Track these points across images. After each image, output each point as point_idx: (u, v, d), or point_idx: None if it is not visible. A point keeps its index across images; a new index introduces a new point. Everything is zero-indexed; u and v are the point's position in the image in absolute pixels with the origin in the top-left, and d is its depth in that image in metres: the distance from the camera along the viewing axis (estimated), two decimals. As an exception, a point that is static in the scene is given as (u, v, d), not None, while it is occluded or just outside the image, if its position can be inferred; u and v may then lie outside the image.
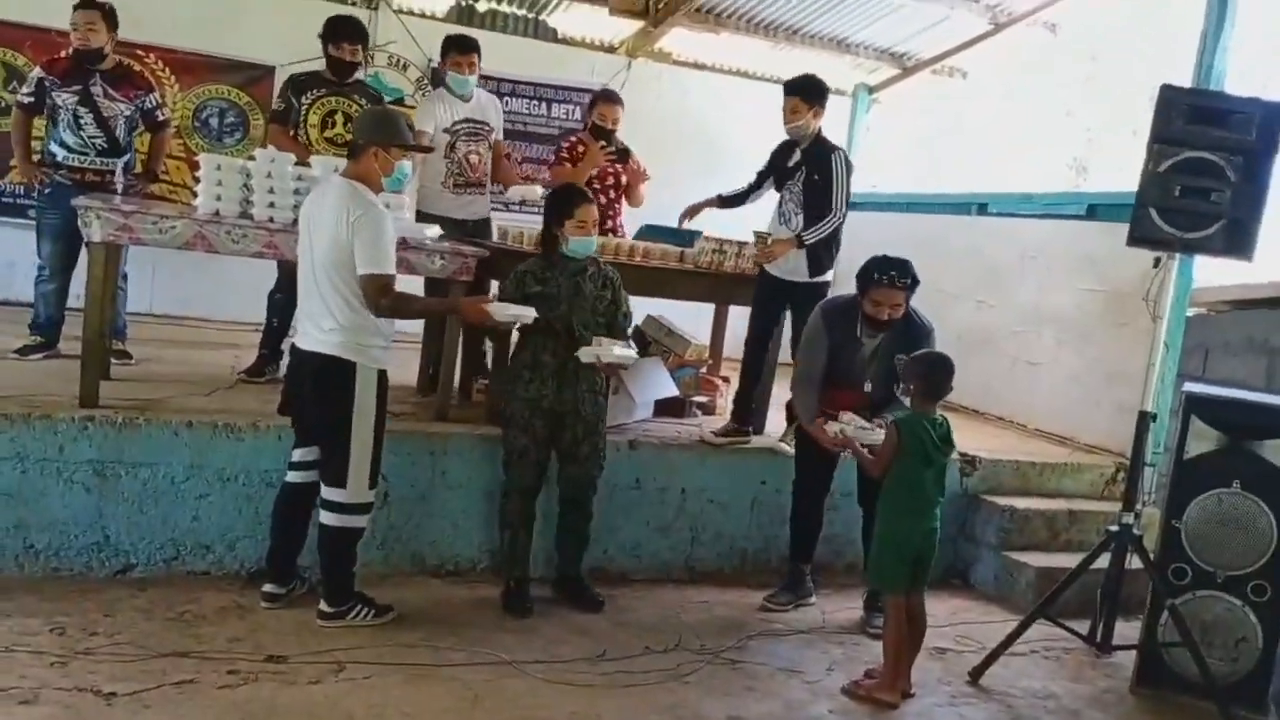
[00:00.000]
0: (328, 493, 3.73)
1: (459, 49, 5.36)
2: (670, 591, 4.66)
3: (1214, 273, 6.19)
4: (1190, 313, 5.80)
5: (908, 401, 3.81)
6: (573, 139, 5.65)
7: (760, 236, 4.99)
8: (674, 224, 5.39)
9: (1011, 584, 4.93)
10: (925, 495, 3.74)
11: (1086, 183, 15.16)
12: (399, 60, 7.48)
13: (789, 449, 4.89)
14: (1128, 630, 4.29)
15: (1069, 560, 4.41)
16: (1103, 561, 4.17)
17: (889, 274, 4.11)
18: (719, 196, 5.25)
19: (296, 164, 4.42)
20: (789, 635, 4.29)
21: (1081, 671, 4.23)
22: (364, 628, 3.79)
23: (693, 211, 5.26)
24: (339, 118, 5.20)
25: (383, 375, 3.76)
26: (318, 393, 3.70)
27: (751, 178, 5.23)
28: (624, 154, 5.58)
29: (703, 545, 4.92)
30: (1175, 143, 4.03)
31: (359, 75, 5.45)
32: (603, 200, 5.39)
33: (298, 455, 3.86)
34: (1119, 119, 15.60)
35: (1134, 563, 4.15)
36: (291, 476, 3.86)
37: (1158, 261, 4.39)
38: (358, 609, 3.81)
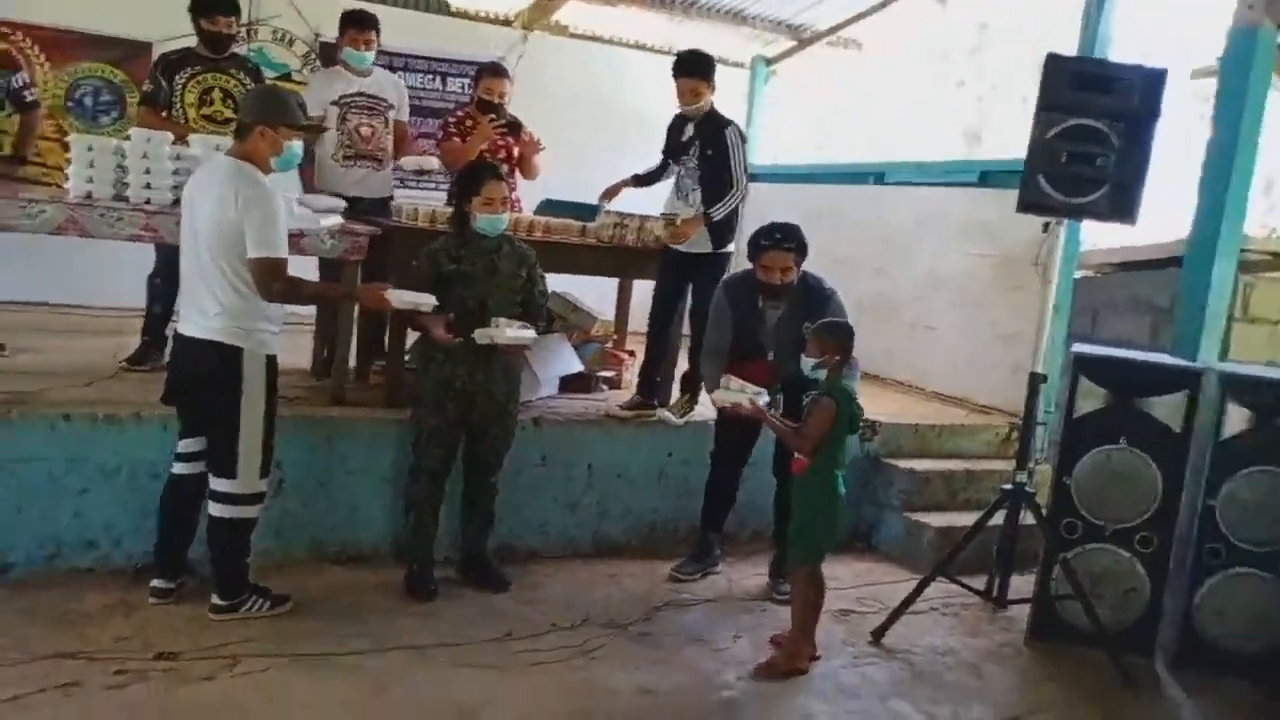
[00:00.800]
0: (216, 483, 3.60)
1: (357, 25, 5.23)
2: (578, 567, 4.64)
3: (1100, 235, 6.40)
4: (1078, 275, 5.97)
5: (808, 367, 3.75)
6: (460, 113, 5.52)
7: (668, 218, 4.95)
8: (582, 200, 5.32)
9: (914, 544, 5.03)
10: (844, 464, 3.79)
11: (979, 150, 15.56)
12: (284, 35, 7.23)
13: (675, 419, 4.92)
14: (1023, 585, 4.41)
15: (968, 519, 4.52)
16: (999, 519, 4.28)
17: (774, 237, 4.20)
18: (634, 176, 5.22)
19: (175, 143, 4.24)
20: (696, 605, 4.31)
21: (979, 626, 4.35)
22: (259, 619, 3.68)
23: (611, 193, 5.20)
24: (217, 94, 5.00)
25: (272, 360, 3.63)
26: (204, 380, 3.56)
27: (658, 154, 5.21)
28: (514, 127, 5.48)
29: (610, 520, 4.91)
30: (1061, 110, 4.11)
31: (236, 49, 5.25)
32: None
33: (184, 446, 3.71)
34: (1008, 87, 16.03)
35: (1028, 519, 4.27)
36: (178, 468, 3.72)
37: (1047, 226, 4.49)
38: (252, 600, 3.70)
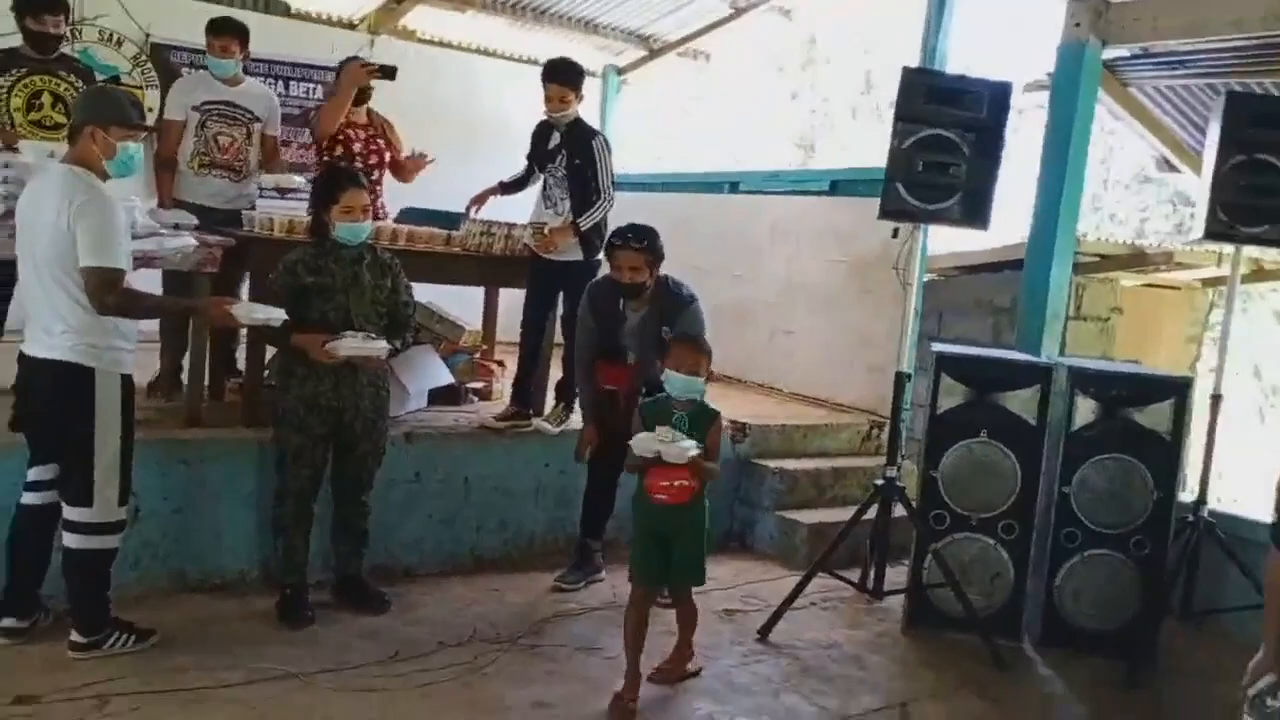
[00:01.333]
0: (71, 513, 3.35)
1: (212, 31, 5.01)
2: (459, 584, 4.52)
3: (940, 241, 6.73)
4: (926, 278, 6.27)
5: (679, 385, 3.49)
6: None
7: (536, 227, 4.90)
8: (440, 209, 5.21)
9: (788, 542, 5.15)
10: None
11: (813, 160, 16.21)
12: (112, 35, 6.79)
13: (551, 429, 4.91)
14: (895, 576, 4.59)
15: (837, 514, 4.68)
16: (871, 513, 4.43)
17: (625, 236, 4.24)
18: (500, 184, 5.16)
19: (3, 150, 3.92)
20: (583, 614, 4.28)
21: (858, 618, 4.49)
22: (124, 655, 3.43)
23: (479, 200, 5.12)
24: (46, 98, 4.71)
25: (127, 380, 3.41)
26: (53, 404, 3.31)
27: (510, 161, 5.16)
28: (387, 125, 5.34)
29: (489, 533, 4.81)
30: (917, 120, 4.32)
31: (64, 50, 4.91)
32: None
33: (34, 474, 3.44)
34: (838, 101, 16.77)
35: (898, 512, 4.44)
36: (28, 498, 3.44)
37: (896, 232, 4.71)
38: (115, 636, 3.45)
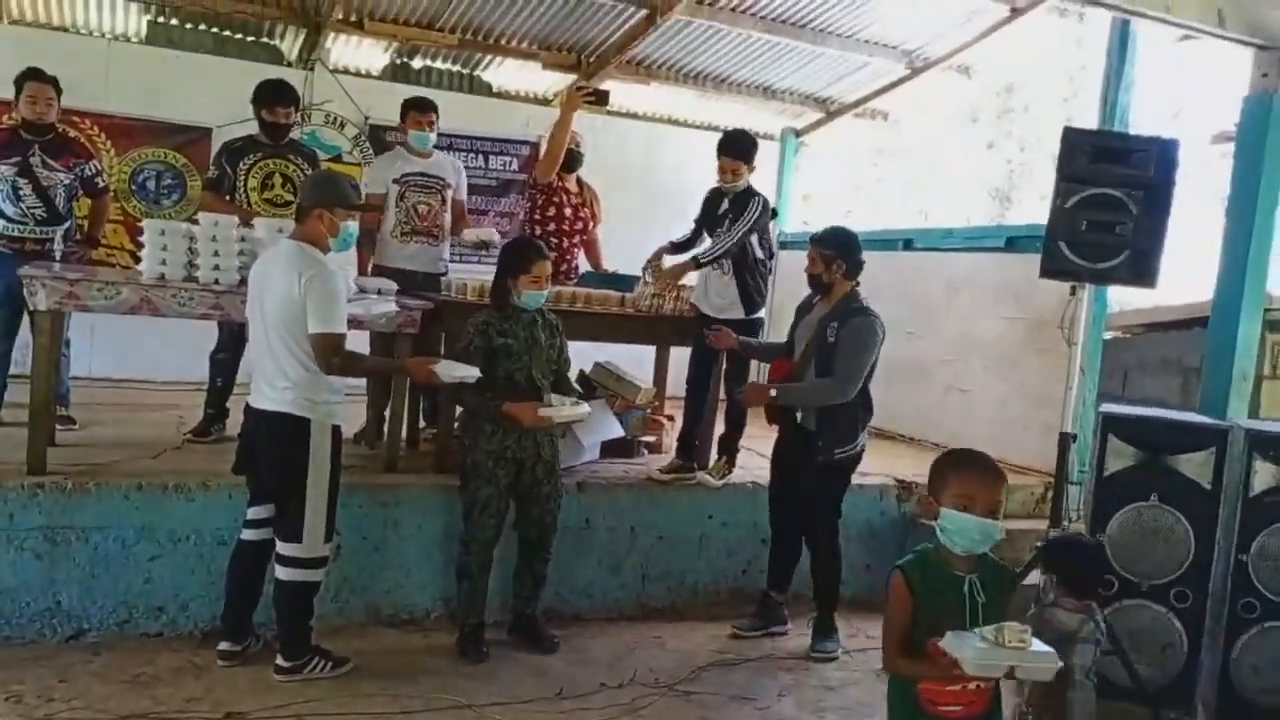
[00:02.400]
0: (284, 548, 3.77)
1: (418, 108, 5.55)
2: (623, 629, 4.75)
3: (1130, 296, 6.52)
4: (1107, 336, 6.09)
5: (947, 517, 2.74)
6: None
7: (653, 267, 5.19)
8: (620, 272, 5.56)
9: (952, 604, 5.08)
10: None
11: (1010, 211, 15.75)
12: (336, 118, 7.60)
13: (713, 482, 5.09)
14: (1061, 642, 4.46)
15: (1005, 578, 4.58)
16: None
17: (815, 234, 4.60)
18: (671, 243, 5.43)
19: (239, 226, 4.50)
20: (740, 664, 4.41)
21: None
22: (322, 680, 3.82)
23: (655, 260, 5.37)
24: (277, 179, 5.27)
25: (337, 430, 3.83)
26: (274, 450, 3.75)
27: (689, 223, 5.45)
28: (594, 195, 5.81)
29: (653, 582, 5.03)
30: (1080, 180, 4.28)
31: (293, 135, 5.56)
32: (565, 244, 5.63)
33: (253, 513, 3.89)
34: (1036, 150, 16.25)
35: (1064, 577, 4.33)
36: (247, 534, 3.89)
37: (1074, 289, 4.65)
38: (315, 662, 3.85)
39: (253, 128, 5.37)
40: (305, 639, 3.86)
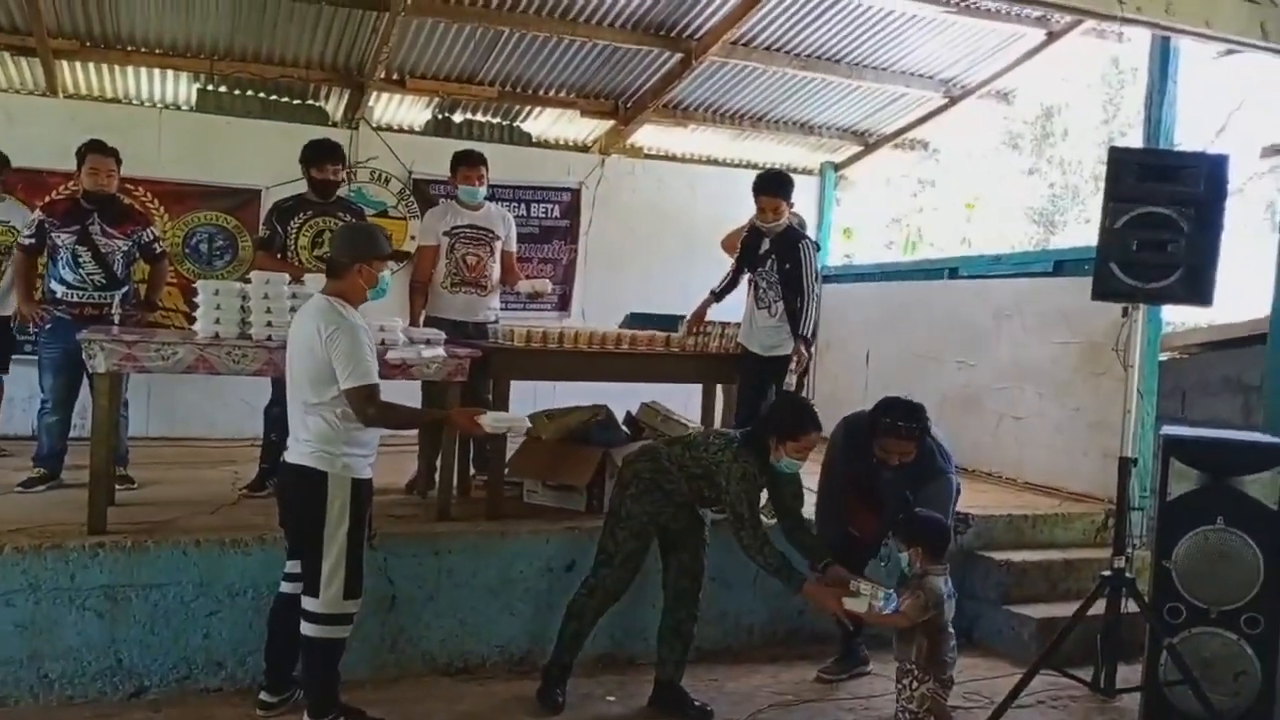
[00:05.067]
0: (306, 602, 3.68)
1: (467, 163, 5.64)
2: (678, 671, 4.70)
3: (1185, 315, 6.39)
4: (1164, 357, 5.97)
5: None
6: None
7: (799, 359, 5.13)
8: (663, 312, 5.58)
9: (1015, 637, 4.98)
10: None
11: (1055, 236, 15.62)
12: (380, 174, 7.74)
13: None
14: (1130, 673, 4.35)
15: (1069, 609, 4.47)
16: (1100, 607, 4.25)
17: (897, 423, 4.11)
18: (712, 293, 5.45)
19: (291, 283, 4.58)
20: (799, 705, 4.34)
21: (1089, 718, 4.28)
22: None
23: (698, 318, 5.39)
24: (327, 236, 5.33)
25: (359, 485, 3.72)
26: (294, 503, 3.75)
27: (727, 261, 5.47)
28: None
29: (708, 624, 4.93)
30: (1129, 200, 4.24)
31: (341, 192, 5.67)
32: None
33: (290, 566, 3.87)
34: (1078, 172, 16.13)
35: (1131, 605, 4.23)
36: (285, 587, 3.88)
37: (1126, 311, 4.58)
38: None
39: (301, 187, 5.49)
40: (331, 697, 3.75)
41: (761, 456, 3.95)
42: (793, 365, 5.13)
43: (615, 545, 4.09)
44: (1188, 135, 5.92)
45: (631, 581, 4.17)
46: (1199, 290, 4.23)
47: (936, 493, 4.18)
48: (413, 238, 7.55)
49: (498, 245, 5.73)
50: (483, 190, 5.68)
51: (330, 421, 3.66)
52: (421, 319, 5.60)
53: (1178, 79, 5.86)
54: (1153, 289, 4.24)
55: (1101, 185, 4.58)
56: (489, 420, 3.92)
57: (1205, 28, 4.98)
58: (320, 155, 5.37)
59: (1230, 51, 5.94)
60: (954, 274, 7.46)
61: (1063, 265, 6.50)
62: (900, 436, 4.10)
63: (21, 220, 5.72)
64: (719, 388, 6.10)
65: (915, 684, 3.71)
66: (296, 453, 3.72)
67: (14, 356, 6.44)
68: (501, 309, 6.05)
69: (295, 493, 3.73)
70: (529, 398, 5.51)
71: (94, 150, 5.21)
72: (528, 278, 6.37)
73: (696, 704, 4.20)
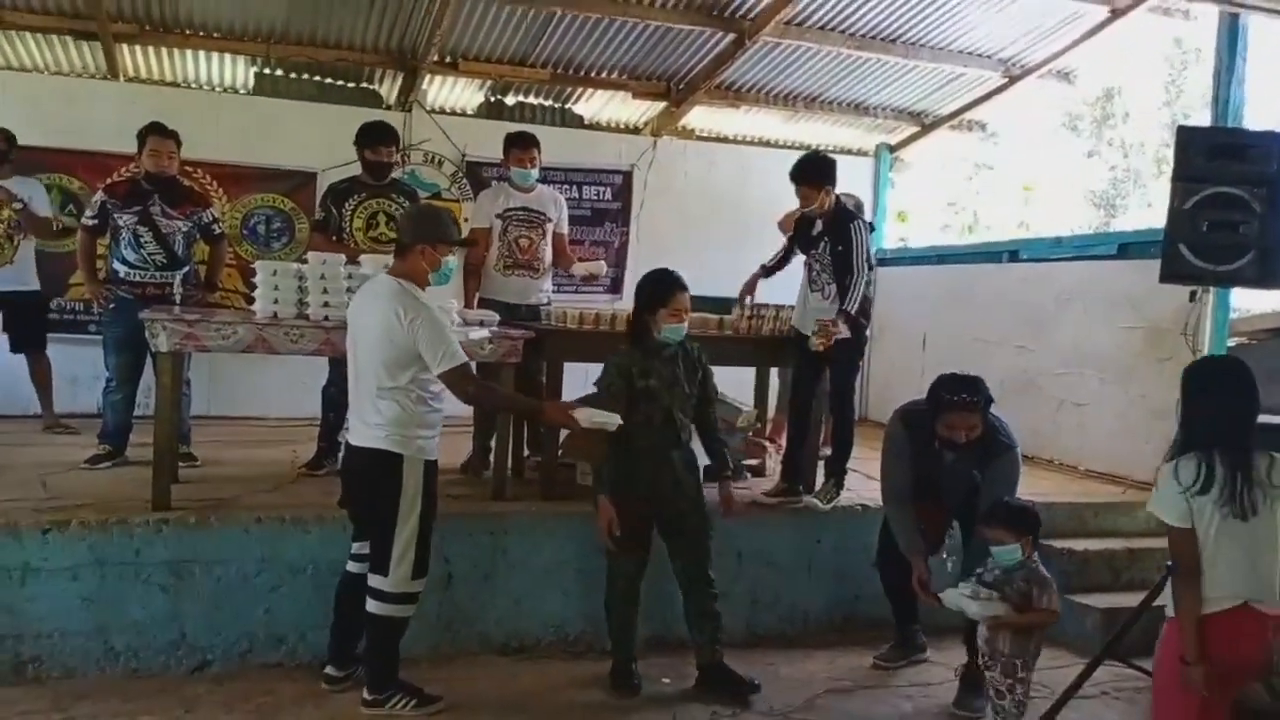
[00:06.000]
0: (373, 580, 3.73)
1: (520, 145, 5.62)
2: (733, 657, 4.58)
3: (1254, 300, 6.21)
4: (1232, 343, 5.81)
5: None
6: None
7: (821, 325, 4.91)
8: (714, 294, 5.53)
9: (1078, 627, 4.88)
10: None
11: (1115, 219, 15.31)
12: (434, 157, 7.77)
13: (821, 506, 4.97)
14: (1199, 665, 4.23)
15: (1133, 599, 4.36)
16: (1166, 597, 4.14)
17: (960, 396, 3.97)
18: (763, 268, 5.39)
19: (347, 264, 4.61)
20: (856, 691, 4.30)
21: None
22: (405, 717, 3.79)
23: (750, 289, 5.36)
24: (381, 218, 5.40)
25: (430, 466, 3.78)
26: (367, 486, 3.76)
27: (779, 241, 5.40)
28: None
29: (763, 608, 4.95)
30: (1198, 180, 4.14)
31: (395, 174, 5.70)
32: None
33: (357, 547, 3.91)
34: (1140, 154, 15.79)
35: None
36: (351, 566, 3.92)
37: (1194, 295, 4.47)
38: (398, 698, 3.78)
39: (356, 169, 5.52)
40: (390, 673, 3.81)
41: (644, 342, 4.09)
42: (814, 330, 4.87)
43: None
44: (1256, 115, 5.74)
45: (645, 560, 4.17)
46: (1272, 272, 4.13)
47: (1005, 470, 4.08)
48: (465, 219, 7.59)
49: (549, 228, 5.72)
50: (535, 173, 5.67)
51: (404, 405, 3.68)
52: (475, 301, 5.61)
53: (1246, 56, 5.68)
54: (1224, 271, 4.15)
55: (1165, 168, 4.50)
56: (585, 416, 3.87)
57: (1276, 3, 4.82)
58: (374, 137, 5.40)
59: (1304, 27, 5.75)
60: (1014, 257, 7.32)
61: (1127, 248, 6.34)
62: (966, 409, 3.97)
63: (26, 193, 5.92)
64: (774, 371, 6.08)
65: (1020, 686, 3.73)
66: (367, 436, 3.72)
67: (78, 336, 6.60)
68: (554, 291, 6.04)
69: (368, 476, 3.74)
70: (580, 379, 5.50)
71: (154, 132, 5.28)
72: (581, 260, 6.36)
73: (744, 678, 4.17)
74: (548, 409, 4.19)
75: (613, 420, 3.84)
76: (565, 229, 5.90)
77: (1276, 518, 2.97)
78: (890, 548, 4.46)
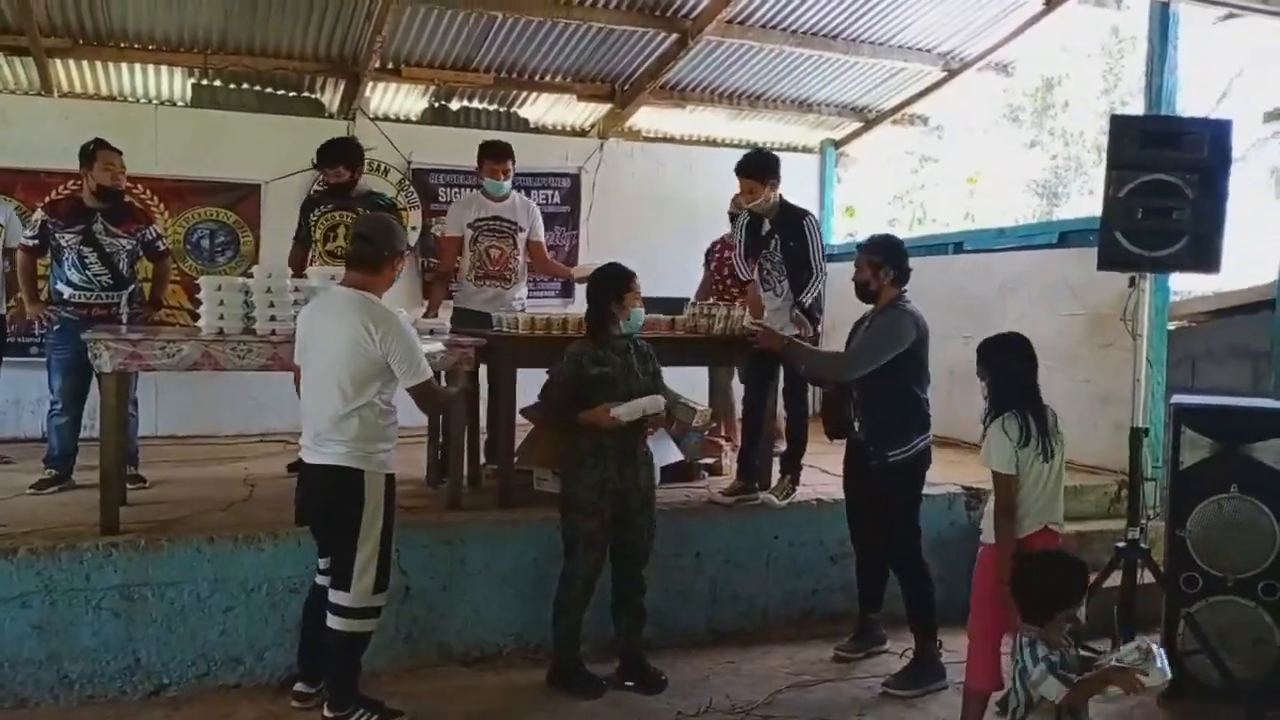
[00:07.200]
0: (334, 596, 3.70)
1: (494, 156, 5.62)
2: (695, 656, 4.69)
3: (1191, 284, 6.36)
4: (1171, 326, 5.95)
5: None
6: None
7: (757, 325, 5.00)
8: (665, 295, 5.55)
9: (1030, 611, 4.96)
10: None
11: (1058, 208, 15.57)
12: (380, 165, 7.70)
13: (777, 502, 5.02)
14: (1149, 645, 4.33)
15: (1083, 581, 4.46)
16: (1116, 579, 4.24)
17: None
18: (750, 282, 5.35)
19: (293, 276, 4.58)
20: (816, 685, 4.34)
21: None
22: None
23: (757, 308, 5.24)
24: (341, 230, 5.39)
25: (389, 479, 3.76)
26: (329, 503, 3.71)
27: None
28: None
29: (723, 606, 4.98)
30: (1132, 167, 4.21)
31: (366, 189, 5.68)
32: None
33: (323, 563, 3.86)
34: (1080, 143, 16.07)
35: (1147, 576, 4.22)
36: (320, 580, 3.87)
37: (1133, 281, 4.55)
38: (359, 713, 3.74)
39: (302, 180, 5.50)
40: (351, 689, 3.77)
41: (599, 335, 4.21)
42: (748, 322, 5.03)
43: (575, 532, 4.15)
44: (1189, 102, 5.87)
45: (603, 561, 4.20)
46: (1206, 257, 4.21)
47: (885, 317, 4.44)
48: (413, 228, 7.54)
49: (521, 237, 5.72)
50: (507, 184, 5.66)
51: (367, 420, 3.66)
52: (442, 309, 5.58)
53: (1178, 45, 5.81)
54: (1159, 257, 4.22)
55: (1104, 156, 4.55)
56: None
57: (1199, -11, 4.94)
58: (323, 158, 5.47)
59: (1230, 16, 5.90)
60: (959, 249, 7.43)
61: (1067, 236, 6.46)
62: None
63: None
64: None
65: None
66: (329, 453, 3.67)
67: (21, 359, 6.45)
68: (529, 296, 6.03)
69: (331, 493, 3.70)
70: (534, 385, 5.48)
71: (104, 147, 5.23)
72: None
73: (655, 672, 4.28)
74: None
75: (656, 403, 4.09)
76: (541, 236, 5.89)
77: (1061, 459, 3.83)
78: (858, 534, 4.61)
